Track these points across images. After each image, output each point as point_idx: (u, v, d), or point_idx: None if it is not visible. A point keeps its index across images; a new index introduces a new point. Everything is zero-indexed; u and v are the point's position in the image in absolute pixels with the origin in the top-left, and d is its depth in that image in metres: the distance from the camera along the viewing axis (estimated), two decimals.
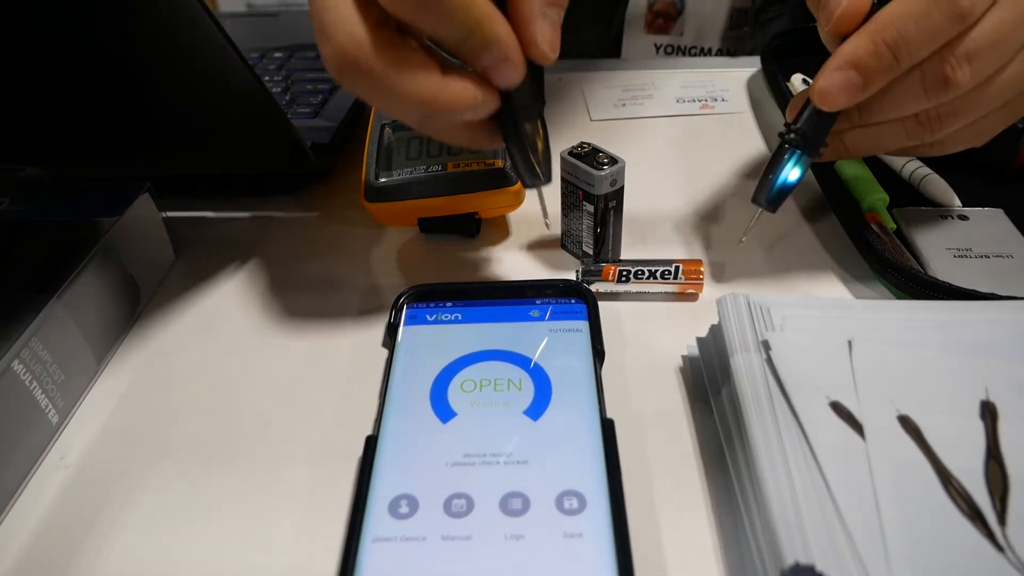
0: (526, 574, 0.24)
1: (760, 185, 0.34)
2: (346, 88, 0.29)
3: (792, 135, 0.33)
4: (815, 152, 0.33)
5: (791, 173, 0.33)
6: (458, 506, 0.26)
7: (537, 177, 0.32)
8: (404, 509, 0.26)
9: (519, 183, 0.38)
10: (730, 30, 0.62)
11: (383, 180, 0.39)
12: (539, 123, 0.32)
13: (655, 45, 0.63)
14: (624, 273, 0.37)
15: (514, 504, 0.26)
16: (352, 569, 0.25)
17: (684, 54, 0.66)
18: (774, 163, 0.33)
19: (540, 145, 0.32)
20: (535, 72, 0.30)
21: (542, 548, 0.25)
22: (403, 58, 0.28)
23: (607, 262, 0.37)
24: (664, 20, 0.62)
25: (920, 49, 0.30)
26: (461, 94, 0.28)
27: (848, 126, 0.34)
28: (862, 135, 0.34)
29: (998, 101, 0.33)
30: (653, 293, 0.37)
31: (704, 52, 0.65)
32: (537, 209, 0.35)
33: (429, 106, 0.28)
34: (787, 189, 0.33)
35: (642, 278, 0.37)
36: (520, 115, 0.31)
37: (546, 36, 0.28)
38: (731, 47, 0.64)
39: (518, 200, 0.40)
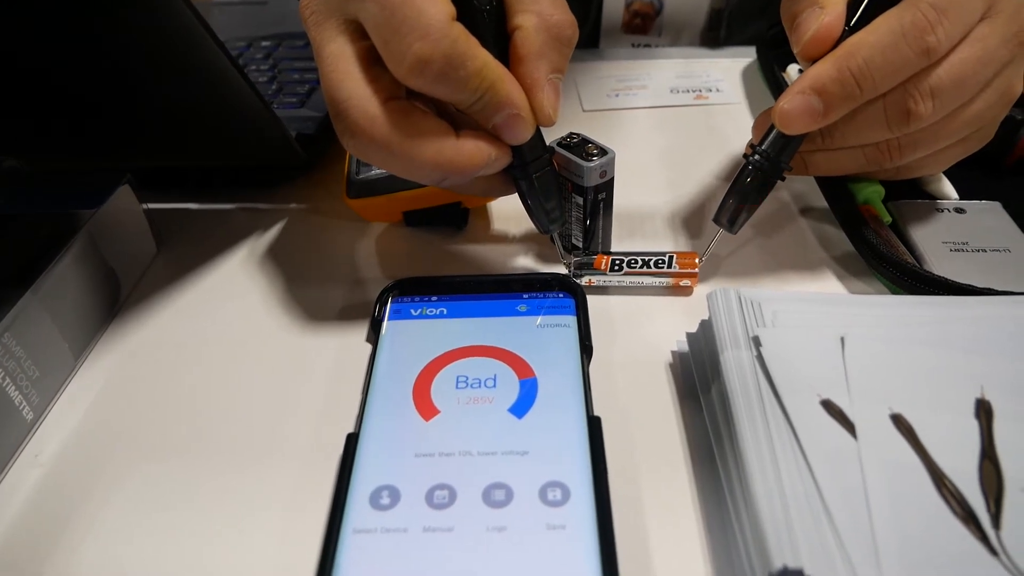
0: (508, 565, 0.24)
1: (722, 206, 0.34)
2: (363, 160, 0.30)
3: (756, 157, 0.33)
4: (778, 174, 0.33)
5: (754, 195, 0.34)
6: (440, 497, 0.26)
7: (552, 223, 0.34)
8: (385, 500, 0.26)
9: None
10: (708, 31, 0.61)
11: (363, 175, 0.39)
12: (549, 170, 0.33)
13: (632, 45, 0.63)
14: (617, 262, 0.36)
15: (497, 495, 0.26)
16: (332, 560, 0.24)
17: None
18: (737, 184, 0.34)
19: (552, 191, 0.33)
20: (536, 138, 0.31)
21: (524, 539, 0.24)
22: (417, 127, 0.29)
23: (598, 254, 0.37)
24: (642, 20, 0.61)
25: (885, 81, 0.30)
26: (476, 154, 0.29)
27: (812, 148, 0.34)
28: (823, 157, 0.35)
29: (958, 136, 0.34)
30: (646, 286, 0.37)
31: None
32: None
33: (446, 169, 0.29)
34: (748, 212, 0.34)
35: (635, 267, 0.36)
36: (531, 166, 0.32)
37: (551, 102, 0.30)
38: (707, 47, 0.63)
39: None
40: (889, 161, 0.34)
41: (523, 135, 0.30)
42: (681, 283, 0.36)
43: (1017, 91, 0.34)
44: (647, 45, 0.63)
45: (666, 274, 0.36)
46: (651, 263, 0.36)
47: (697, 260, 0.36)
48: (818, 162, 0.35)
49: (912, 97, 0.31)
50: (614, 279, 0.36)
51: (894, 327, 0.29)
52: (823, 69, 0.30)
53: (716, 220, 0.35)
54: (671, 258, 0.36)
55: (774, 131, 0.32)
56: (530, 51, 0.29)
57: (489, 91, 0.28)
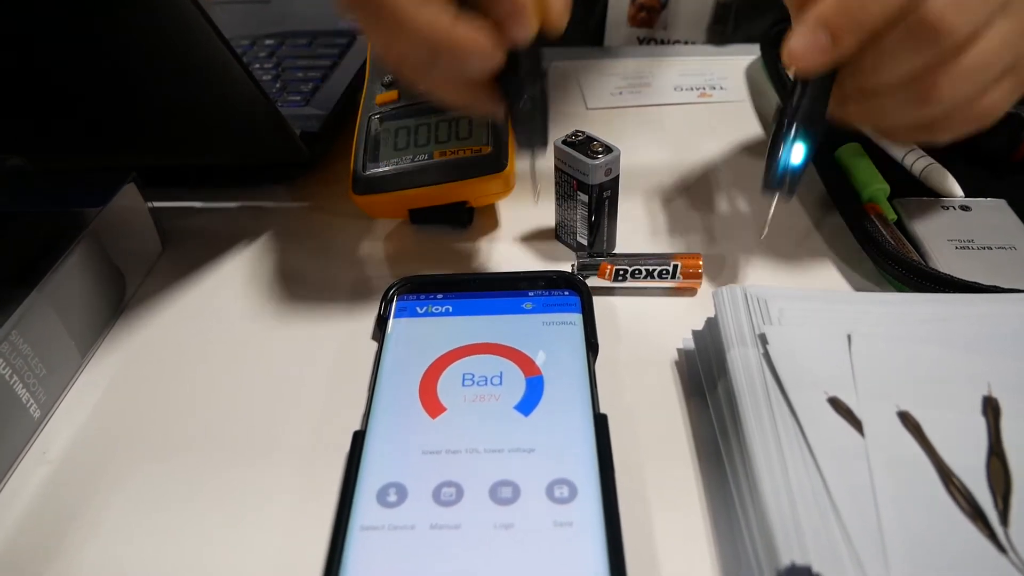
0: (515, 562, 0.24)
1: (766, 171, 0.32)
2: (353, 18, 0.29)
3: (788, 109, 0.32)
4: (814, 125, 0.31)
5: (795, 150, 0.31)
6: (447, 494, 0.26)
7: (536, 140, 0.32)
8: (392, 497, 0.26)
9: (509, 168, 0.37)
10: (714, 24, 0.61)
11: (370, 172, 0.38)
12: (540, 90, 0.31)
13: (638, 39, 0.62)
14: (621, 272, 0.36)
15: (504, 492, 0.26)
16: (339, 558, 0.24)
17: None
18: (775, 142, 0.32)
19: (540, 111, 0.31)
20: (535, 50, 0.30)
21: (531, 536, 0.24)
22: None
23: (603, 257, 0.36)
24: (648, 13, 0.61)
25: None
26: (472, 38, 0.28)
27: (845, 94, 0.32)
28: (860, 107, 0.33)
29: (1001, 61, 0.31)
30: (650, 288, 0.37)
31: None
32: (529, 197, 0.34)
33: (438, 43, 0.28)
34: (794, 170, 0.32)
35: (639, 277, 0.36)
36: (524, 79, 0.30)
37: (557, 3, 0.29)
38: (714, 42, 0.63)
39: (508, 187, 0.39)
40: (933, 101, 0.31)
41: (525, 32, 0.29)
42: (685, 287, 0.36)
43: None
44: (652, 39, 0.62)
45: (670, 282, 0.36)
46: (655, 273, 0.36)
47: (701, 262, 0.36)
48: (858, 112, 0.33)
49: (933, 8, 0.28)
50: (618, 286, 0.36)
51: (900, 324, 0.29)
52: (825, 2, 0.29)
53: (765, 187, 0.32)
54: (676, 267, 0.36)
55: (797, 82, 0.31)
56: None
57: None
